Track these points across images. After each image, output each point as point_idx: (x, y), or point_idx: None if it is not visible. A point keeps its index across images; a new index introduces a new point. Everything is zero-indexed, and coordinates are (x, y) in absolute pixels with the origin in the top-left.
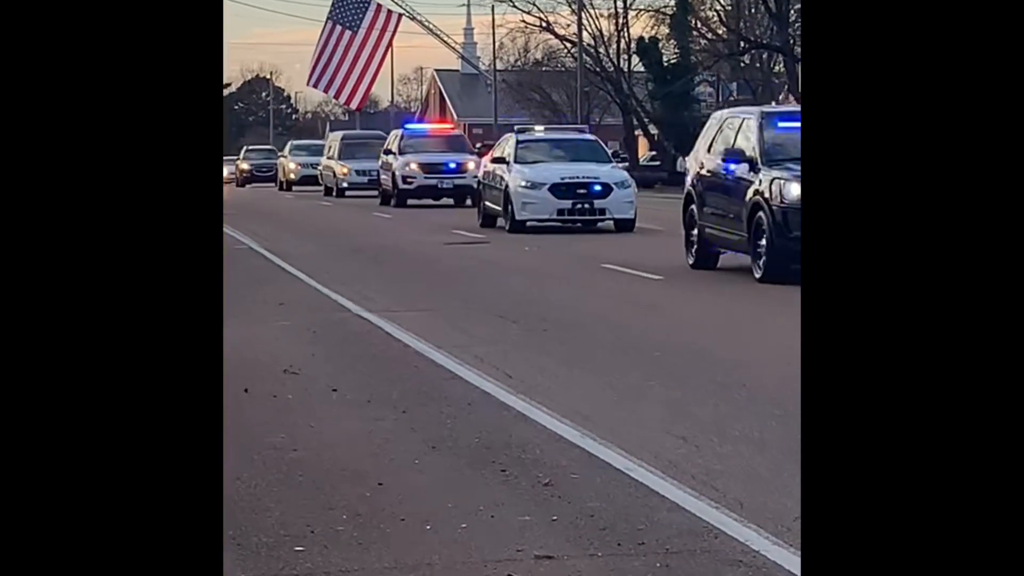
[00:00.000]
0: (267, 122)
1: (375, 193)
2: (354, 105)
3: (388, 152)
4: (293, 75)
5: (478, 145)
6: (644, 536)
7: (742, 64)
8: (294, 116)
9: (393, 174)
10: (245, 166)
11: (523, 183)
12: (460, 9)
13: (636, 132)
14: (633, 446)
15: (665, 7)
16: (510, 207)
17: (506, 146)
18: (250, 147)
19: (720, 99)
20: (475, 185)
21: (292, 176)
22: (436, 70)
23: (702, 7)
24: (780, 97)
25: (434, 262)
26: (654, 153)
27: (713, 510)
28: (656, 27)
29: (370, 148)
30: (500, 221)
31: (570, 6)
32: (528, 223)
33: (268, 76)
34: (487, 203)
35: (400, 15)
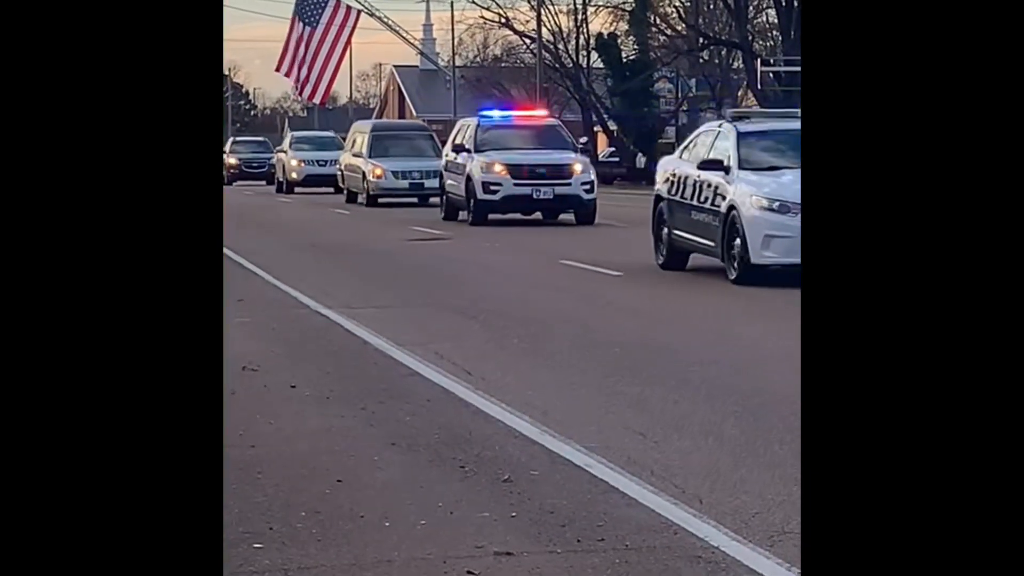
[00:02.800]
0: (226, 118)
1: (413, 200)
2: (316, 100)
3: (459, 148)
4: (252, 71)
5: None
6: (603, 532)
7: (701, 60)
8: (252, 112)
9: (468, 179)
10: (232, 161)
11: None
12: (419, 5)
13: (595, 128)
14: (593, 442)
15: (624, 3)
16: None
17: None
18: (238, 138)
19: (679, 95)
20: (582, 195)
21: (294, 175)
22: (395, 66)
23: (661, 3)
24: (739, 93)
25: (394, 258)
26: (613, 149)
27: (672, 506)
28: (615, 23)
29: (409, 143)
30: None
31: (529, 2)
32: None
33: (227, 72)
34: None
35: (359, 11)
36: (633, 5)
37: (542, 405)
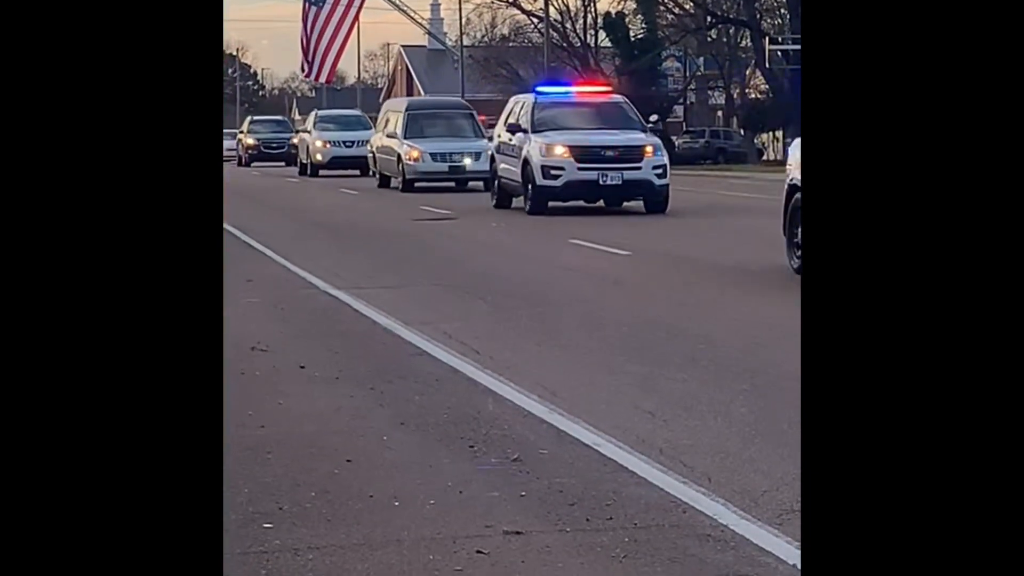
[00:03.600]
0: (234, 99)
1: (450, 184)
2: (322, 79)
3: (514, 128)
4: (260, 51)
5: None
6: (612, 511)
7: (709, 39)
8: (260, 92)
9: (526, 163)
10: (251, 141)
11: None
12: None
13: None
14: (601, 421)
15: None
16: None
17: None
18: (256, 117)
19: (687, 74)
20: (653, 180)
21: (319, 157)
22: (403, 46)
23: None
24: (747, 72)
25: (401, 239)
26: None
27: (681, 485)
28: (623, 2)
29: (448, 123)
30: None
31: None
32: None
33: (234, 53)
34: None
35: None
36: None
37: (551, 385)
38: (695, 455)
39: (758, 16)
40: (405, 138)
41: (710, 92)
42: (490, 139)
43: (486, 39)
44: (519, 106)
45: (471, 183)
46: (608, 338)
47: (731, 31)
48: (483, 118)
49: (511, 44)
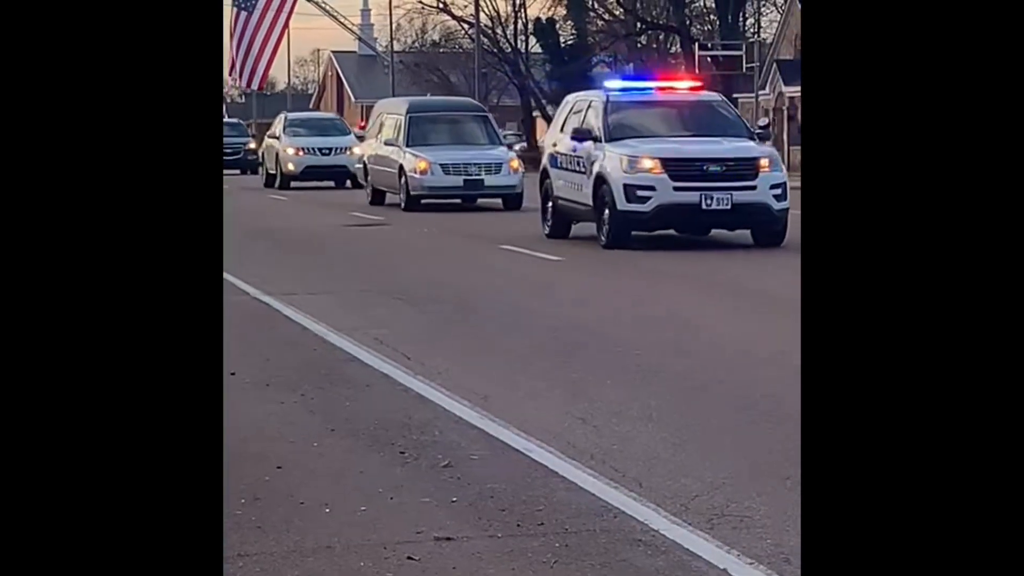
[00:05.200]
0: None
1: (456, 200)
2: (254, 86)
3: (583, 136)
4: None
5: None
6: (543, 516)
7: (639, 44)
8: None
9: (601, 181)
10: None
11: None
12: None
13: (534, 113)
14: (532, 427)
15: None
16: None
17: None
18: None
19: None
20: (771, 204)
21: (291, 167)
22: (333, 52)
23: None
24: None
25: (332, 244)
26: None
27: (612, 490)
28: (553, 8)
29: (458, 128)
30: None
31: None
32: None
33: None
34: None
35: None
36: None
37: (482, 390)
38: (626, 460)
39: (688, 22)
40: (408, 146)
41: None
42: (509, 147)
43: (417, 45)
44: (582, 107)
45: (487, 199)
46: (539, 343)
47: (661, 37)
48: None
49: (442, 50)
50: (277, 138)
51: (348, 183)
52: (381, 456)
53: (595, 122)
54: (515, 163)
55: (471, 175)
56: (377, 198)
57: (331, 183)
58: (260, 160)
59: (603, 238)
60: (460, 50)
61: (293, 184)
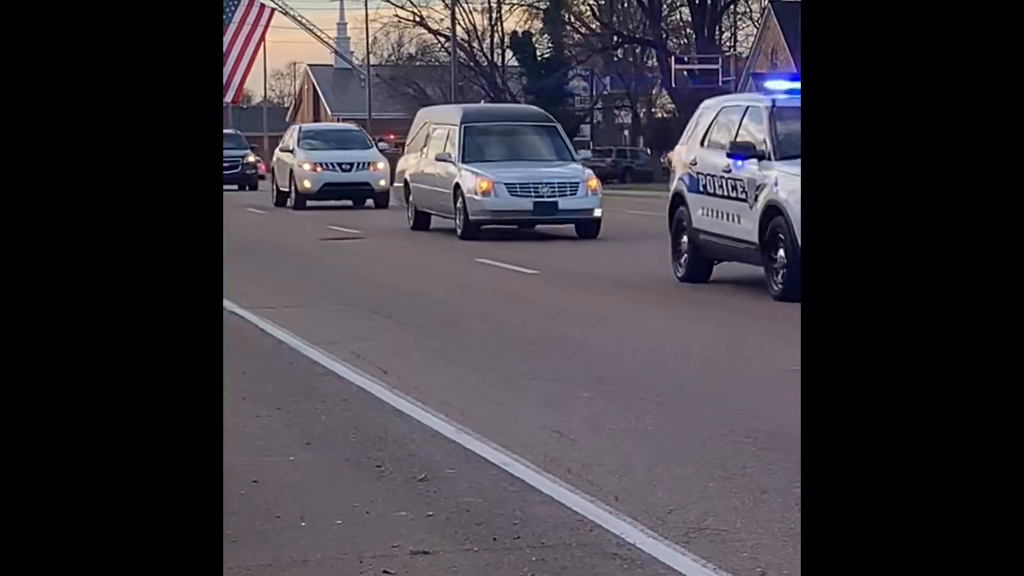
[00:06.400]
0: None
1: (512, 225)
2: (228, 99)
3: (744, 151)
4: None
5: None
6: (520, 530)
7: (615, 58)
8: None
9: (772, 211)
10: None
11: None
12: (333, 4)
13: None
14: (509, 441)
15: (538, 1)
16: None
17: None
18: None
19: (594, 93)
20: None
21: (307, 184)
22: (309, 65)
23: (575, 2)
24: (653, 91)
25: (311, 258)
26: None
27: (588, 503)
28: (530, 21)
29: (521, 141)
30: None
31: (443, 0)
32: None
33: None
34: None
35: (272, 9)
36: (547, 3)
37: (458, 404)
38: (602, 474)
39: (664, 36)
40: (464, 162)
41: (617, 111)
42: (583, 163)
43: (393, 58)
44: (733, 115)
45: (557, 225)
46: (516, 357)
47: (637, 51)
48: (391, 137)
49: (418, 63)
50: (291, 152)
51: (370, 202)
52: (357, 470)
53: (758, 136)
54: (593, 182)
55: (542, 196)
56: (421, 222)
57: (349, 202)
58: (261, 175)
59: (775, 286)
60: (437, 63)
61: (309, 204)
